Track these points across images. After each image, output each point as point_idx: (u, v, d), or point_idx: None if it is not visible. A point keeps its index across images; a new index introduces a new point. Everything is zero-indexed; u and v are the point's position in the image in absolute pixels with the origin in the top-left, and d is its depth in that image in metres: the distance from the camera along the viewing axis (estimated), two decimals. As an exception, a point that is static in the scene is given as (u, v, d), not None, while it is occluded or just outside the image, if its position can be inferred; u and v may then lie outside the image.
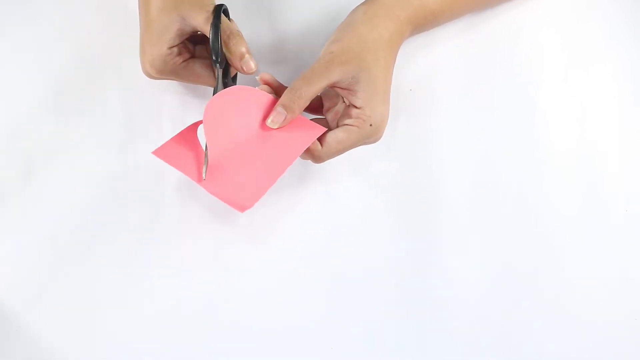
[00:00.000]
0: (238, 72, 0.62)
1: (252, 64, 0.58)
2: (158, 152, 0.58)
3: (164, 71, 0.60)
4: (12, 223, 0.63)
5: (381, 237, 0.63)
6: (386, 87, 0.58)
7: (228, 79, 0.61)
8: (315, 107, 0.61)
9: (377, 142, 0.59)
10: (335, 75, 0.56)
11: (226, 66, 0.60)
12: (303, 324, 0.62)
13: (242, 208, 0.57)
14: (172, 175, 0.64)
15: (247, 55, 0.58)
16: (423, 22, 0.61)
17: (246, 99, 0.58)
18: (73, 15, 0.68)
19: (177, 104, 0.66)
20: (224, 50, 0.58)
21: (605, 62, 0.67)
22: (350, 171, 0.64)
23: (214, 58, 0.58)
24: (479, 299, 0.62)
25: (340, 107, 0.59)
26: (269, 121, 0.57)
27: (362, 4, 0.60)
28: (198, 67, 0.61)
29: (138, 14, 0.60)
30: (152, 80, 0.62)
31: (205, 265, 0.63)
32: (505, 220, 0.64)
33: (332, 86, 0.57)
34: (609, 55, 0.67)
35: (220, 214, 0.63)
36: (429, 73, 0.66)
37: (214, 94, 0.59)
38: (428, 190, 0.64)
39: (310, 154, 0.58)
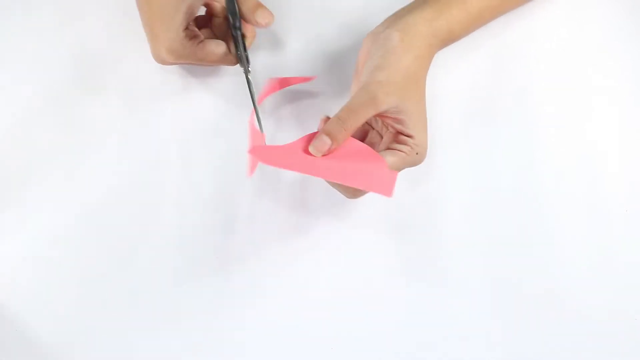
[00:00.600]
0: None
1: (267, 14, 0.59)
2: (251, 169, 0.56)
3: (182, 55, 0.60)
4: (12, 223, 0.63)
5: (381, 238, 0.63)
6: (425, 115, 0.58)
7: (245, 51, 0.62)
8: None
9: None
10: (382, 107, 0.55)
11: (241, 38, 0.61)
12: (303, 324, 0.62)
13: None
14: (172, 174, 0.64)
15: (260, 8, 0.59)
16: (447, 45, 0.61)
17: None
18: (73, 14, 0.68)
19: (179, 103, 0.66)
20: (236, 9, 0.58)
21: (606, 62, 0.67)
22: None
23: (231, 22, 0.58)
24: (479, 299, 0.62)
25: (385, 136, 0.58)
26: (311, 148, 0.55)
27: (394, 28, 0.57)
28: (214, 45, 0.61)
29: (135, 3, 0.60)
30: (152, 80, 0.62)
31: (205, 263, 0.63)
32: (505, 220, 0.64)
33: (378, 116, 0.56)
34: (609, 55, 0.67)
35: (222, 209, 0.64)
36: (428, 73, 0.66)
37: (243, 68, 0.59)
38: (428, 191, 0.64)
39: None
